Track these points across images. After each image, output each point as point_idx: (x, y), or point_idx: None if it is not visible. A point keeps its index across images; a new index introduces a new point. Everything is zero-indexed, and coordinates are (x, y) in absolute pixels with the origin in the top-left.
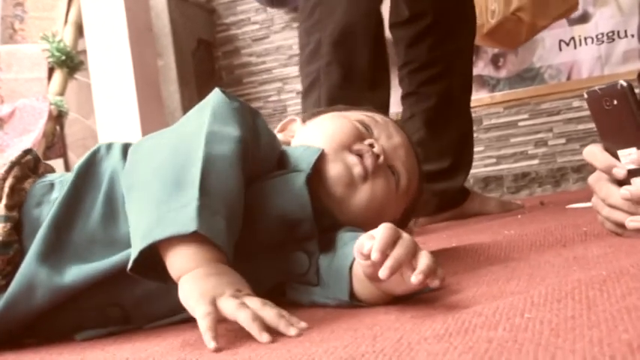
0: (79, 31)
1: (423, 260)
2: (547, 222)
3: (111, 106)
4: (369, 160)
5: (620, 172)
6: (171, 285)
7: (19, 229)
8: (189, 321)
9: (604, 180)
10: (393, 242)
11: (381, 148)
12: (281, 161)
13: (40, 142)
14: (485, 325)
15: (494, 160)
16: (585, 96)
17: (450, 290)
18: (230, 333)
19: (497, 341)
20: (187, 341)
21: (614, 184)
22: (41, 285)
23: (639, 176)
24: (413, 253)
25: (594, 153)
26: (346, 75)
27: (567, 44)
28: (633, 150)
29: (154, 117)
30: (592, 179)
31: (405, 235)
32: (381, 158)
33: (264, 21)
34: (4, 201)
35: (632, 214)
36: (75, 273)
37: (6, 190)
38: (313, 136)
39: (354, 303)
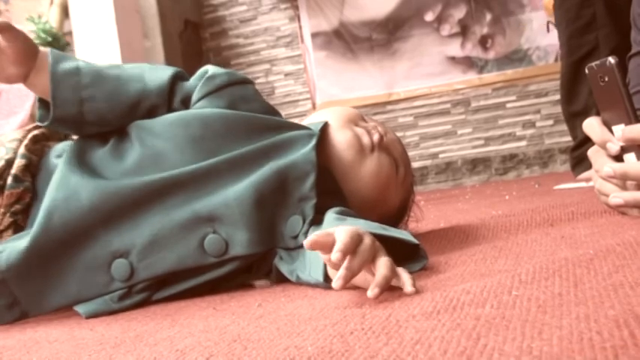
0: (65, 12)
1: (380, 271)
2: (535, 202)
3: None
4: (375, 135)
5: (613, 148)
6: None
7: (36, 173)
8: (187, 297)
9: (601, 152)
10: (354, 246)
11: (384, 131)
12: None
13: (27, 123)
14: (473, 303)
15: (482, 142)
16: (587, 71)
17: (438, 269)
18: (226, 309)
19: (485, 318)
20: (176, 320)
21: (608, 158)
22: (84, 187)
23: (631, 152)
24: (371, 259)
25: (593, 126)
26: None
27: (555, 26)
28: (622, 126)
29: None
30: (591, 151)
31: (365, 241)
32: (385, 138)
33: (252, 2)
34: (25, 142)
35: (622, 187)
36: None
37: (29, 136)
38: (321, 115)
39: (328, 285)
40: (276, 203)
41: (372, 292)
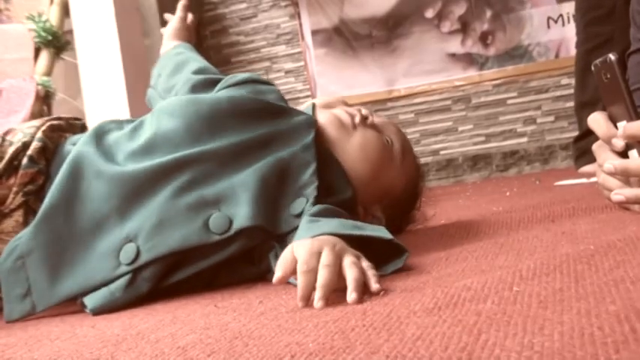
0: (65, 10)
1: (350, 275)
2: (535, 199)
3: (98, 86)
4: (356, 114)
5: (618, 144)
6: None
7: (51, 159)
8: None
9: (605, 147)
10: (316, 260)
11: (369, 114)
12: None
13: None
14: (474, 299)
15: (483, 139)
16: (593, 68)
17: (439, 265)
18: (221, 309)
19: (486, 314)
20: (177, 317)
21: (612, 152)
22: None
23: (634, 149)
24: (338, 264)
25: (598, 121)
26: None
27: (555, 22)
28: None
29: (141, 97)
30: (595, 146)
31: (325, 251)
32: (370, 119)
33: None
34: (43, 128)
35: (625, 182)
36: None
37: (48, 124)
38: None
39: None
40: (279, 190)
41: (351, 299)
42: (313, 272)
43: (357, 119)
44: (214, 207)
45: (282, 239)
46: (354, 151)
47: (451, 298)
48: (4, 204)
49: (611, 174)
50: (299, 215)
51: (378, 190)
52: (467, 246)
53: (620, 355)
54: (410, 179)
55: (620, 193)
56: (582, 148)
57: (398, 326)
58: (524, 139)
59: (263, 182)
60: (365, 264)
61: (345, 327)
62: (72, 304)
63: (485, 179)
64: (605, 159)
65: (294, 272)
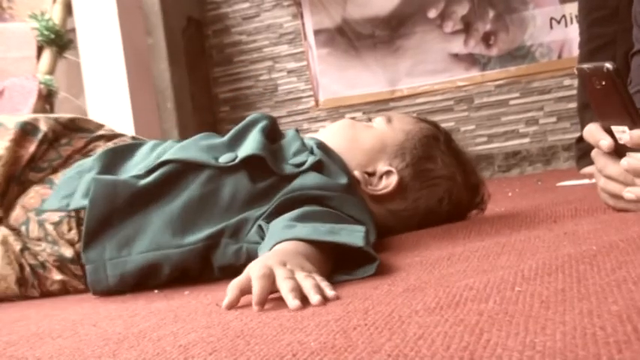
0: (68, 9)
1: (283, 286)
2: (537, 199)
3: (101, 85)
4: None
5: (604, 144)
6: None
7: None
8: (179, 285)
9: (602, 153)
10: (269, 282)
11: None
12: None
13: None
14: (476, 299)
15: (485, 139)
16: (575, 72)
17: (441, 264)
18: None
19: (488, 313)
20: (179, 316)
21: (611, 157)
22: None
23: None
24: (271, 281)
25: (592, 132)
26: None
27: (558, 22)
28: (625, 129)
29: (143, 96)
30: (594, 152)
31: (277, 273)
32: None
33: None
34: (59, 121)
35: (626, 185)
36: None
37: (64, 118)
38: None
39: None
40: (279, 148)
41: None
42: (265, 296)
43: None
44: (228, 149)
45: (287, 182)
46: (331, 137)
47: (453, 298)
48: None
49: (612, 178)
50: (300, 165)
51: (367, 149)
52: (469, 246)
53: (623, 355)
54: (419, 131)
55: (631, 191)
56: (584, 148)
57: (400, 325)
58: (527, 140)
59: (265, 139)
60: (318, 278)
61: (346, 326)
62: None
63: (487, 179)
64: (605, 162)
65: (244, 293)
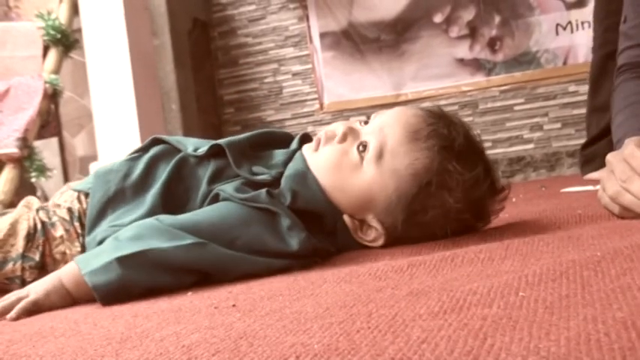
0: (75, 9)
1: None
2: (542, 205)
3: (106, 85)
4: (321, 137)
5: None
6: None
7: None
8: (181, 291)
9: (625, 163)
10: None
11: (344, 130)
12: None
13: (34, 120)
14: (479, 303)
15: (489, 144)
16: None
17: (444, 269)
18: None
19: (492, 318)
20: (182, 316)
21: (629, 165)
22: None
23: None
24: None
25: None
26: None
27: (564, 28)
28: None
29: (149, 97)
30: (611, 155)
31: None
32: (337, 138)
33: (261, 1)
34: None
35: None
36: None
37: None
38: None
39: None
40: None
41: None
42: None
43: (322, 140)
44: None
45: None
46: (316, 169)
47: (457, 302)
48: None
49: (633, 194)
50: (255, 174)
51: (354, 199)
52: (473, 250)
53: None
54: (410, 179)
55: None
56: (589, 155)
57: (403, 329)
58: (531, 146)
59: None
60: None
61: (350, 329)
62: None
63: None
64: (630, 178)
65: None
